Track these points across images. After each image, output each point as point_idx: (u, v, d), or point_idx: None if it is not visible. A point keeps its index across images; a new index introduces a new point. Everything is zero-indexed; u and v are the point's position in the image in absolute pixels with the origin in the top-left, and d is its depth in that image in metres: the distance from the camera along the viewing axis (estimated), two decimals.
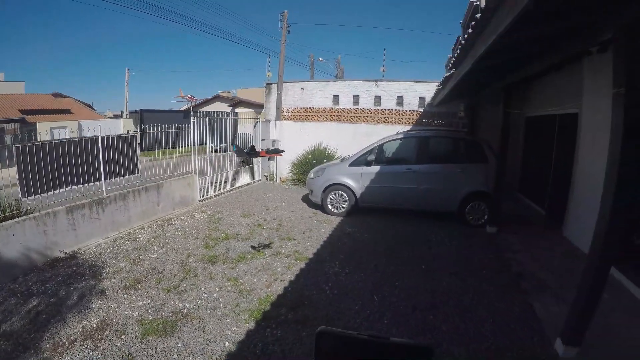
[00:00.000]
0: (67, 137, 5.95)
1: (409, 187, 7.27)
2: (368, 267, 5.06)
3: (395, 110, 10.94)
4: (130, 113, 28.09)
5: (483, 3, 2.74)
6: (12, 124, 17.57)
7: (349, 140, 10.85)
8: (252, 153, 6.14)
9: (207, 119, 8.76)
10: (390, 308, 3.99)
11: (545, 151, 7.42)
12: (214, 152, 9.25)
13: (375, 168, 7.51)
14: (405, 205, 7.47)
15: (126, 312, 3.79)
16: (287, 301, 4.08)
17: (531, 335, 3.47)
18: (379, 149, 7.61)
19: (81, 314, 3.74)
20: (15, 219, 4.84)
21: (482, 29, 3.10)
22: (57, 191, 5.62)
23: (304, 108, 11.81)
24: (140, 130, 7.43)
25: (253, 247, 5.70)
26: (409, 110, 10.83)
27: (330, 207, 7.78)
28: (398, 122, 10.83)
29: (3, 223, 4.68)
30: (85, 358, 3.07)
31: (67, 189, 5.78)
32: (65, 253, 5.30)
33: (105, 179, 6.34)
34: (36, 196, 5.32)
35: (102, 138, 6.27)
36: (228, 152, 9.79)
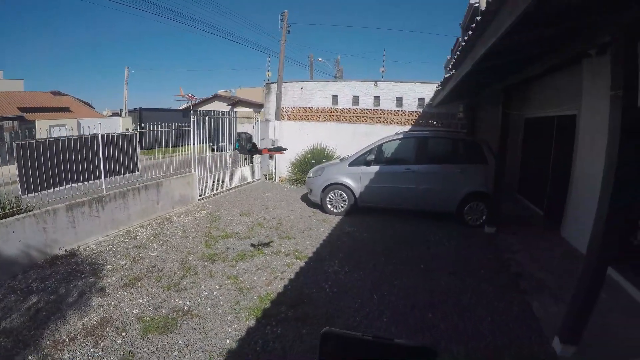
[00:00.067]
0: (68, 134, 5.95)
1: (408, 187, 7.30)
2: (367, 266, 5.08)
3: (395, 110, 10.97)
4: (130, 111, 28.07)
5: (483, 5, 2.76)
6: (11, 122, 17.55)
7: (348, 140, 10.87)
8: (254, 150, 6.15)
9: (207, 118, 8.77)
10: (389, 306, 4.01)
11: (544, 152, 7.46)
12: (213, 151, 9.25)
13: (375, 168, 7.53)
14: (404, 205, 7.49)
15: (126, 310, 3.80)
16: (287, 299, 4.10)
17: (529, 334, 3.50)
18: (379, 149, 7.63)
19: (81, 311, 3.74)
20: (15, 217, 4.84)
21: (482, 31, 3.12)
22: (57, 189, 5.62)
23: (303, 108, 11.83)
24: (140, 128, 7.41)
25: (253, 245, 5.71)
26: (408, 111, 10.86)
27: (329, 206, 7.80)
28: (397, 123, 10.86)
29: (3, 220, 4.67)
30: (86, 355, 3.07)
31: (67, 186, 5.78)
32: (65, 250, 5.30)
33: (105, 177, 6.34)
34: (36, 193, 5.31)
35: (103, 136, 6.28)
36: (227, 151, 9.80)
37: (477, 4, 11.10)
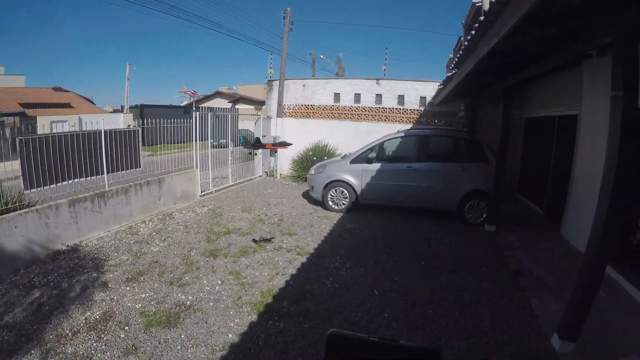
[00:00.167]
0: (70, 130, 5.96)
1: (409, 185, 7.32)
2: (368, 263, 5.11)
3: (396, 108, 10.99)
4: (131, 108, 28.03)
5: (486, 5, 2.78)
6: (12, 118, 17.53)
7: (349, 137, 10.91)
8: (258, 145, 6.17)
9: (209, 115, 8.79)
10: (390, 303, 4.04)
11: (544, 152, 7.48)
12: (214, 148, 9.27)
13: (376, 165, 7.55)
14: (405, 202, 7.52)
15: (129, 304, 3.82)
16: (289, 294, 4.13)
17: (529, 331, 3.53)
18: (380, 146, 7.65)
19: (84, 306, 3.75)
20: (18, 212, 4.84)
21: (485, 30, 3.15)
22: (59, 184, 5.63)
23: (305, 105, 11.84)
24: (142, 125, 7.42)
25: (254, 241, 5.74)
26: (410, 109, 10.88)
27: (330, 203, 7.82)
28: (399, 121, 10.88)
29: (5, 215, 4.67)
30: (89, 349, 3.09)
31: (70, 182, 5.79)
32: (67, 246, 5.31)
33: (108, 172, 6.36)
34: (39, 189, 5.32)
35: (105, 132, 6.30)
36: (229, 148, 9.82)
37: (480, 4, 11.08)
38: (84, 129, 6.25)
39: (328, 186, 7.82)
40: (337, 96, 11.51)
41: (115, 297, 3.96)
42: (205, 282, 4.38)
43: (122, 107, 29.92)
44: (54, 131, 5.97)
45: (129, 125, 17.33)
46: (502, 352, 3.20)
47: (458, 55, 4.34)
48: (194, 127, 8.24)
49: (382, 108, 11.11)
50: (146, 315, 3.61)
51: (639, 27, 2.54)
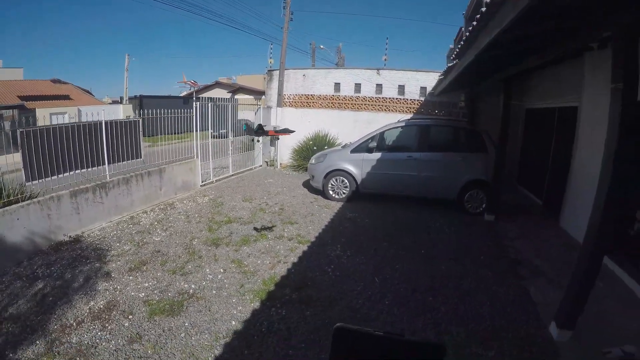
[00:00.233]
0: (71, 122, 5.94)
1: (410, 174, 7.34)
2: (369, 251, 5.15)
3: (397, 98, 10.96)
4: (130, 99, 27.91)
5: None
6: (11, 110, 17.46)
7: (350, 127, 10.90)
8: (261, 132, 6.15)
9: (209, 105, 8.76)
10: (391, 290, 4.09)
11: (544, 143, 7.48)
12: (214, 138, 9.26)
13: (377, 155, 7.56)
14: (406, 192, 7.55)
15: (132, 293, 3.85)
16: (291, 282, 4.17)
17: (527, 318, 3.58)
18: (381, 136, 7.65)
19: (88, 296, 3.77)
20: (20, 204, 4.83)
21: (487, 22, 3.13)
22: (60, 175, 5.63)
23: (305, 95, 11.80)
24: (142, 115, 7.41)
25: (256, 229, 5.78)
26: (410, 99, 10.85)
27: (331, 192, 7.85)
28: (399, 111, 10.86)
29: (7, 207, 4.66)
30: (94, 338, 3.11)
31: (71, 173, 5.79)
32: (70, 237, 5.33)
33: (109, 163, 6.36)
34: (40, 180, 5.32)
35: (106, 123, 6.28)
36: (230, 137, 9.82)
37: None
38: (83, 120, 6.23)
39: (328, 175, 7.83)
40: (337, 86, 11.46)
41: (118, 287, 3.99)
42: (207, 270, 4.42)
43: (121, 98, 29.76)
44: (54, 123, 5.95)
45: (127, 116, 17.28)
46: (501, 339, 3.24)
47: (459, 46, 4.31)
48: (194, 117, 8.22)
49: (383, 98, 11.07)
50: (150, 304, 3.65)
51: (638, 26, 2.54)
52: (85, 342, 3.07)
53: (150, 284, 4.08)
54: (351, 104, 11.35)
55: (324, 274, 4.43)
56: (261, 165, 11.55)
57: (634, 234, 4.19)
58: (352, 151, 7.74)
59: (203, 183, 8.66)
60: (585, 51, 5.25)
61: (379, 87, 11.07)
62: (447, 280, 4.36)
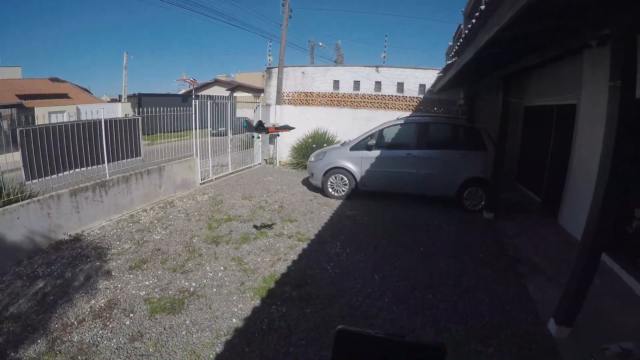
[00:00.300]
0: (71, 120, 5.93)
1: (409, 172, 7.35)
2: (368, 249, 5.17)
3: (396, 96, 10.95)
4: (129, 97, 27.82)
5: None
6: (10, 109, 17.39)
7: (349, 125, 10.88)
8: (261, 128, 6.14)
9: (208, 103, 8.75)
10: (391, 287, 4.12)
11: (543, 141, 7.50)
12: (213, 136, 9.26)
13: (376, 152, 7.57)
14: (405, 189, 7.56)
15: (133, 292, 3.86)
16: (291, 280, 4.19)
17: (526, 316, 3.61)
18: (380, 133, 7.66)
19: (88, 295, 3.78)
20: (19, 203, 4.82)
21: (486, 19, 3.14)
22: (60, 174, 5.61)
23: (304, 92, 11.79)
24: (142, 113, 7.40)
25: (256, 227, 5.80)
26: (409, 97, 10.85)
27: (330, 190, 7.86)
28: (398, 108, 10.85)
29: (7, 207, 4.65)
30: (95, 336, 3.12)
31: (71, 171, 5.77)
32: (70, 235, 5.32)
33: (108, 161, 6.34)
34: (40, 179, 5.30)
35: (105, 121, 6.27)
36: (229, 135, 9.81)
37: None
38: (82, 118, 6.21)
39: (328, 173, 7.84)
40: (336, 83, 11.45)
41: (119, 285, 4.00)
42: (207, 268, 4.44)
43: (120, 96, 29.62)
44: (52, 122, 5.94)
45: (126, 115, 17.24)
46: (500, 336, 3.27)
47: (458, 44, 4.32)
48: (193, 115, 8.21)
49: (382, 95, 11.06)
50: (150, 302, 3.66)
51: (638, 26, 2.55)
52: (87, 340, 3.07)
53: (151, 282, 4.09)
54: (350, 101, 11.34)
55: (324, 271, 4.45)
56: (260, 163, 11.55)
57: (632, 232, 4.22)
58: (351, 149, 7.75)
59: (202, 181, 8.67)
60: (585, 49, 5.25)
61: (378, 84, 11.06)
62: (446, 277, 4.38)
